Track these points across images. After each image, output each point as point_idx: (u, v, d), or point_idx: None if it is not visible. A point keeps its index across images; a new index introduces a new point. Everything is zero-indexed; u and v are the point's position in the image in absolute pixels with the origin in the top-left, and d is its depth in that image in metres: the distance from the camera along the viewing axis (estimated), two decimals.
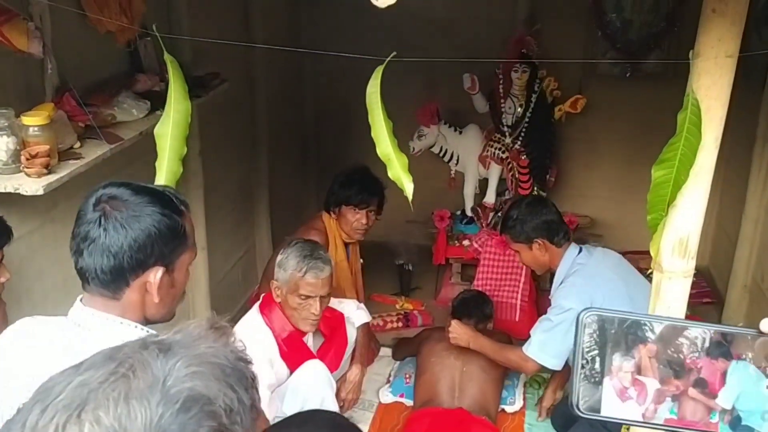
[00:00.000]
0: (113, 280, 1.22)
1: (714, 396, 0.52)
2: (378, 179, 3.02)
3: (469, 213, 3.94)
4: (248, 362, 0.70)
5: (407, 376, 3.16)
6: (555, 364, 2.56)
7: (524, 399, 3.07)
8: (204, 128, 2.95)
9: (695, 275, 4.28)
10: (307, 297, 2.39)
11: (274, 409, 2.35)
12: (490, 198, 3.81)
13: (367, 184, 3.01)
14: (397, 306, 3.86)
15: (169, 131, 1.49)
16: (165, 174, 1.50)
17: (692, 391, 0.52)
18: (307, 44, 4.22)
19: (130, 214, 1.21)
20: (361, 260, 3.91)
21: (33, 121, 1.73)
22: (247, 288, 3.69)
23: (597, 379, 0.53)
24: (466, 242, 3.83)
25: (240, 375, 0.66)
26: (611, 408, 0.54)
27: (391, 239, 4.04)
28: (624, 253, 3.67)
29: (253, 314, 2.48)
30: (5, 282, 1.75)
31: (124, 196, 1.23)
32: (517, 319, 3.55)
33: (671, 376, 0.53)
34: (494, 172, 3.78)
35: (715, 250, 4.07)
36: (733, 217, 3.58)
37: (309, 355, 2.53)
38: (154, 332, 0.99)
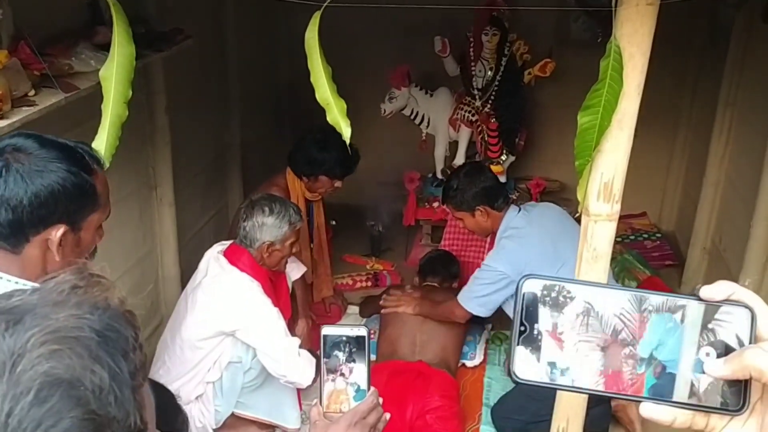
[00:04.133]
0: (12, 234, 1.18)
1: (636, 347, 0.54)
2: (354, 148, 3.02)
3: (439, 175, 3.98)
4: (128, 321, 0.59)
5: (372, 332, 3.23)
6: (480, 311, 2.71)
7: (485, 354, 3.16)
8: (171, 86, 2.96)
9: (659, 239, 4.38)
10: (293, 243, 2.55)
11: None
12: (459, 160, 3.84)
13: (348, 156, 3.00)
14: (368, 267, 3.93)
15: (114, 74, 1.51)
16: (110, 117, 1.53)
17: (617, 345, 0.54)
18: (281, 16, 4.21)
19: (33, 168, 1.17)
20: (334, 222, 3.97)
21: None
22: None
23: (535, 345, 0.54)
24: (436, 204, 3.88)
25: (114, 341, 0.56)
26: (545, 374, 0.55)
27: (362, 201, 4.09)
28: None
29: (226, 268, 2.48)
30: None
31: (30, 149, 1.18)
32: None
33: (600, 332, 0.54)
34: (464, 135, 3.81)
35: (680, 214, 4.15)
36: (697, 182, 3.64)
37: (284, 291, 2.70)
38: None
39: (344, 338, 1.06)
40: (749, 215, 2.72)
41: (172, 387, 2.45)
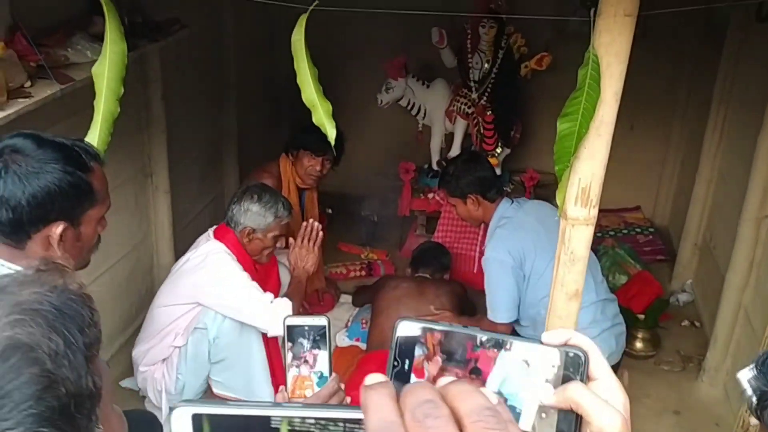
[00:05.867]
0: (14, 231, 1.25)
1: (484, 382, 0.59)
2: (340, 131, 3.08)
3: (435, 167, 4.01)
4: (85, 301, 0.69)
5: (364, 321, 3.28)
6: (509, 316, 2.69)
7: None
8: (167, 74, 2.98)
9: (652, 234, 4.40)
10: (277, 236, 2.60)
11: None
12: (455, 152, 3.87)
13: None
14: (362, 256, 3.97)
15: (106, 71, 1.55)
16: (102, 113, 1.57)
17: (468, 379, 0.58)
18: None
19: (29, 170, 1.22)
20: (330, 210, 4.01)
21: None
22: None
23: (405, 379, 0.59)
24: (431, 195, 3.92)
25: (71, 316, 0.66)
26: None
27: (358, 191, 4.13)
28: None
29: (216, 246, 2.56)
30: None
31: (27, 150, 1.23)
32: (474, 270, 3.65)
33: (453, 366, 0.59)
34: (460, 127, 3.84)
35: (674, 209, 4.17)
36: (691, 178, 3.67)
37: (274, 279, 2.78)
38: None
39: (306, 327, 1.14)
40: (739, 213, 2.75)
41: (142, 348, 2.53)
